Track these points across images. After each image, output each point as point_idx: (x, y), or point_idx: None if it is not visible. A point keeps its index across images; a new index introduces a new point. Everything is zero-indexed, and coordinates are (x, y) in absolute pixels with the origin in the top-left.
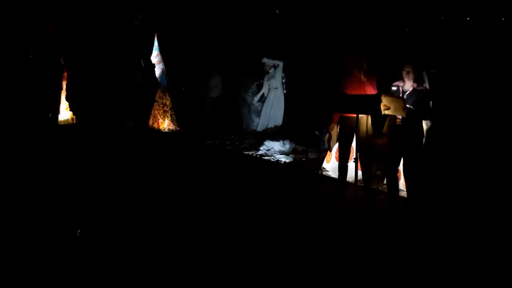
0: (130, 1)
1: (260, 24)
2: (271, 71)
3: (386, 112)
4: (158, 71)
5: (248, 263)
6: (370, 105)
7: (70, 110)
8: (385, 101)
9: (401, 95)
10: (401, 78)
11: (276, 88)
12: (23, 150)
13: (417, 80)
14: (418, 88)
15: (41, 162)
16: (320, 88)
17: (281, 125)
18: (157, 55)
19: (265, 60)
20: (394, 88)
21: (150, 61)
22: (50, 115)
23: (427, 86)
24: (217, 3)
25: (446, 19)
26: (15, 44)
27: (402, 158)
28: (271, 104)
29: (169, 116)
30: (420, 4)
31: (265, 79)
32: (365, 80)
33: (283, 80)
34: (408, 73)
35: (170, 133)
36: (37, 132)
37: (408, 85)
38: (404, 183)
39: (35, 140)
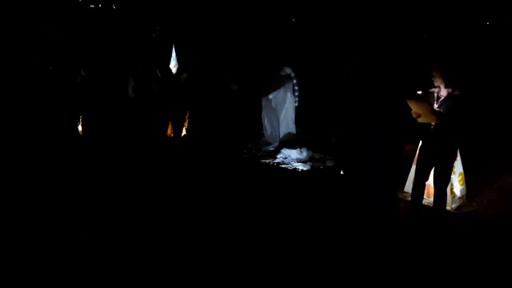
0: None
1: (275, 31)
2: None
3: (419, 120)
4: None
5: (258, 268)
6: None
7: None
8: (413, 107)
9: (435, 102)
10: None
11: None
12: (31, 152)
13: (449, 85)
14: (452, 94)
15: (51, 166)
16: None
17: (295, 133)
18: (175, 65)
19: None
20: (419, 92)
21: (169, 69)
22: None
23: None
24: (234, 13)
25: (466, 22)
26: (22, 49)
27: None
28: (285, 110)
29: (186, 124)
30: (439, 7)
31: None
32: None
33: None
34: (435, 78)
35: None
36: (45, 136)
37: (443, 91)
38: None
39: (44, 143)
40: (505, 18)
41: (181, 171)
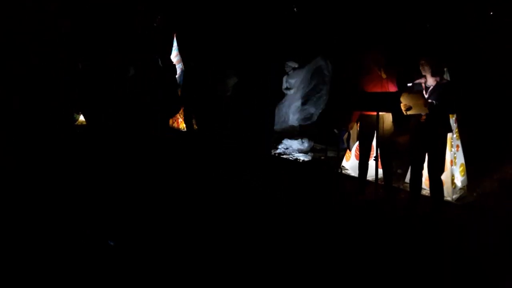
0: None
1: (277, 22)
2: (290, 72)
3: (409, 112)
4: (177, 70)
5: (264, 261)
6: (391, 103)
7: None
8: (404, 100)
9: (424, 92)
10: (421, 74)
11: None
12: (35, 149)
13: (437, 73)
14: (441, 82)
15: (53, 161)
16: (338, 86)
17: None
18: (177, 55)
19: (289, 62)
20: (410, 84)
21: (171, 60)
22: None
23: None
24: (231, 8)
25: (466, 13)
26: (27, 44)
27: (426, 156)
28: (287, 104)
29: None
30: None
31: (284, 79)
32: (385, 76)
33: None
34: (423, 66)
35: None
36: (50, 132)
37: (430, 81)
38: (425, 182)
39: (48, 140)
40: (506, 18)
41: (181, 170)
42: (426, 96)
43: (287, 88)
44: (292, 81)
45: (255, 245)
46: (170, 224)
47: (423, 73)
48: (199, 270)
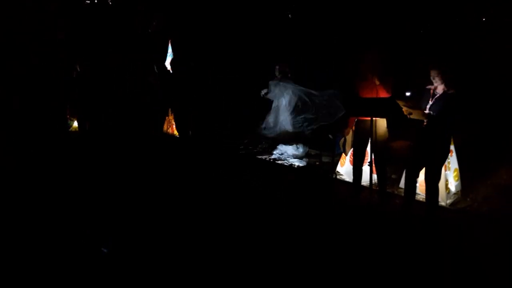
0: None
1: (271, 27)
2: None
3: (410, 117)
4: None
5: (259, 265)
6: (386, 109)
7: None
8: (403, 106)
9: (430, 99)
10: (425, 80)
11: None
12: (31, 152)
13: (448, 83)
14: (448, 92)
15: (49, 165)
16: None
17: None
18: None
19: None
20: (408, 94)
21: (165, 66)
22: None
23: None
24: (231, 9)
25: (464, 19)
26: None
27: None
28: (278, 109)
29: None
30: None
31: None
32: (378, 83)
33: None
34: (434, 77)
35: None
36: (50, 132)
37: (439, 89)
38: (419, 187)
39: (48, 139)
40: (505, 18)
41: (181, 170)
42: (430, 102)
43: (266, 93)
44: (272, 85)
45: (254, 245)
46: (170, 224)
47: (434, 83)
48: (198, 270)
